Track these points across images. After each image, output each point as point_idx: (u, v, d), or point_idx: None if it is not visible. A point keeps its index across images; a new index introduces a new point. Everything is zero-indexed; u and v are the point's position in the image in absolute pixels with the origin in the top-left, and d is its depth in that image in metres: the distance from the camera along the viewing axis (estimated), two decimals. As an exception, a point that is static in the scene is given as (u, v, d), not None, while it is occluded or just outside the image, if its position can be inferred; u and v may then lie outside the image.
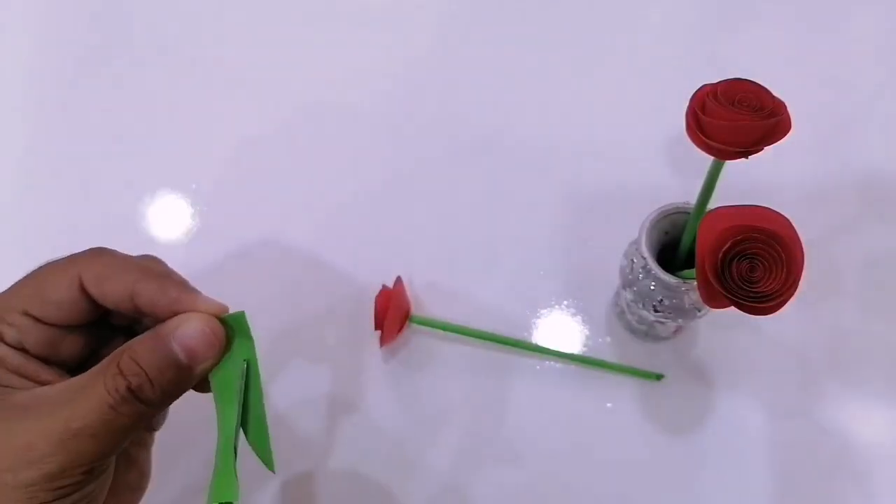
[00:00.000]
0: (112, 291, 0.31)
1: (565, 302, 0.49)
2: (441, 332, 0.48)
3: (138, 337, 0.30)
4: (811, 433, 0.45)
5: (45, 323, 0.31)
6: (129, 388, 0.28)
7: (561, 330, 0.48)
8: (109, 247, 0.35)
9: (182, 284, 0.32)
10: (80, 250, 0.49)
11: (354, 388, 0.47)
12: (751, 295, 0.30)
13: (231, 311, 0.32)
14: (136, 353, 0.29)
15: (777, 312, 0.30)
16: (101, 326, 0.34)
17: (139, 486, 0.35)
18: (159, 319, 0.31)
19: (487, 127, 0.55)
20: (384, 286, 0.47)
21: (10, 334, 0.31)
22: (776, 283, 0.29)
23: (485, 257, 0.50)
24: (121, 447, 0.30)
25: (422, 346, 0.48)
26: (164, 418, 0.37)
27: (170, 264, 0.51)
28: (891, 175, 0.52)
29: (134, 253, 0.53)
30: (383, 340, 0.46)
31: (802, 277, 0.30)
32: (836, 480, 0.44)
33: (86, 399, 0.28)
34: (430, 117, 0.55)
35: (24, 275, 0.32)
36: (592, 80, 0.56)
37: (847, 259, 0.49)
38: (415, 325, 0.48)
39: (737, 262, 0.30)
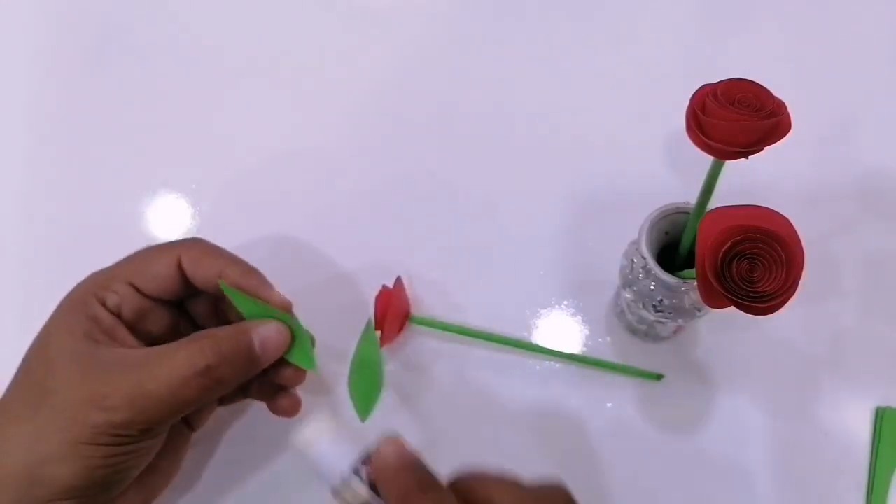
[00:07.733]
0: (204, 272, 0.37)
1: (565, 302, 0.49)
2: (441, 332, 0.48)
3: (220, 327, 0.36)
4: (811, 433, 0.45)
5: (143, 294, 0.37)
6: (206, 366, 0.33)
7: (561, 330, 0.48)
8: (109, 247, 0.38)
9: (260, 274, 0.38)
10: (81, 250, 0.50)
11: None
12: (751, 295, 0.30)
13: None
14: (219, 338, 0.35)
15: (777, 312, 0.30)
16: (182, 314, 0.40)
17: (169, 472, 0.39)
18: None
19: (488, 127, 0.55)
20: (384, 286, 0.47)
21: (112, 300, 0.36)
22: (776, 283, 0.29)
23: (485, 257, 0.50)
24: (178, 418, 0.34)
25: (422, 347, 0.48)
26: (202, 421, 0.41)
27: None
28: (891, 175, 0.52)
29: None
30: (383, 341, 0.46)
31: (802, 277, 0.30)
32: (836, 480, 0.44)
33: (163, 367, 0.33)
34: (430, 118, 0.55)
35: (128, 255, 0.38)
36: (592, 80, 0.56)
37: (847, 259, 0.49)
38: (415, 326, 0.48)
39: (737, 262, 0.30)
